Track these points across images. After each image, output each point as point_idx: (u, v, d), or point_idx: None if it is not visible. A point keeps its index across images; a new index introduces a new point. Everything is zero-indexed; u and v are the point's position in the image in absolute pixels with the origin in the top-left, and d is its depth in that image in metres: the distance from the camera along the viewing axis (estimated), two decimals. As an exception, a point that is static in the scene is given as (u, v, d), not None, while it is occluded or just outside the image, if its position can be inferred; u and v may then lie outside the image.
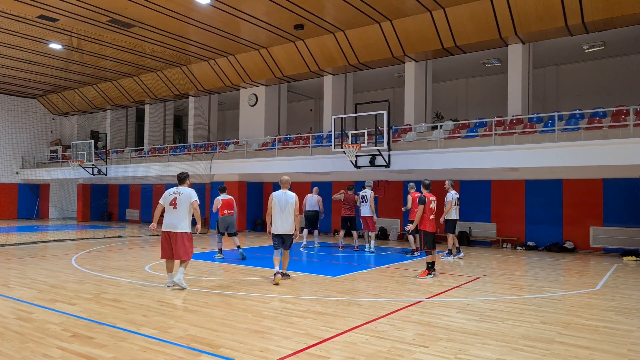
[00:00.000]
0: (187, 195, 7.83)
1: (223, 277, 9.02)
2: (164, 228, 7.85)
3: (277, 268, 8.42)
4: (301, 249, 13.77)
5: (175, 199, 7.82)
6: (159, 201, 7.98)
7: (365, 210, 13.08)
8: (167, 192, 8.00)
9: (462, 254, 12.19)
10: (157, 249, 13.28)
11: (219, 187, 12.20)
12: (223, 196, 11.73)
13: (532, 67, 16.14)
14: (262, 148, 19.80)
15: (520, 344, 4.97)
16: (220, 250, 11.80)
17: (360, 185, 18.48)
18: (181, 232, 7.73)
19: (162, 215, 7.98)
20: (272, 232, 8.50)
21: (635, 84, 16.58)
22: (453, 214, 11.81)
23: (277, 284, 8.22)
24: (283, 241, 8.54)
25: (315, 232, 14.24)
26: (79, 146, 23.71)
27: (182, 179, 8.09)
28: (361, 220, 13.33)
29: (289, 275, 8.93)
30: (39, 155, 28.62)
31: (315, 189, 14.75)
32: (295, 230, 8.52)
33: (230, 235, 11.72)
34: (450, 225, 11.88)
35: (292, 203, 8.44)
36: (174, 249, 7.74)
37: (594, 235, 14.06)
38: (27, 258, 11.37)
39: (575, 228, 14.32)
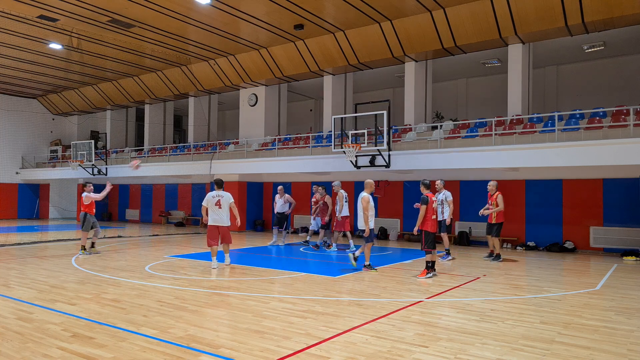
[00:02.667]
0: (228, 197, 10.01)
1: (223, 277, 9.02)
2: (212, 223, 9.92)
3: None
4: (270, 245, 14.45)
5: (219, 200, 9.89)
6: (203, 203, 10.05)
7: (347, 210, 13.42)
8: (209, 195, 9.99)
9: (450, 257, 11.84)
10: (157, 249, 13.27)
11: (87, 183, 12.46)
12: (94, 194, 12.23)
13: (532, 67, 16.14)
14: (262, 148, 19.81)
15: (520, 344, 4.97)
16: (84, 247, 12.03)
17: (360, 186, 18.51)
18: (227, 226, 10.04)
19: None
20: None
21: (635, 84, 16.59)
22: (445, 213, 11.77)
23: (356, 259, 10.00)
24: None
25: (284, 232, 14.81)
26: (79, 146, 23.71)
27: (220, 184, 10.20)
28: (341, 221, 13.27)
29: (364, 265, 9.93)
30: (39, 155, 28.63)
31: (280, 187, 14.92)
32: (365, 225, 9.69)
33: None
34: (442, 225, 11.72)
35: (359, 202, 9.83)
36: (222, 237, 10.02)
37: (594, 235, 14.06)
38: (27, 258, 11.37)
39: (575, 228, 14.32)
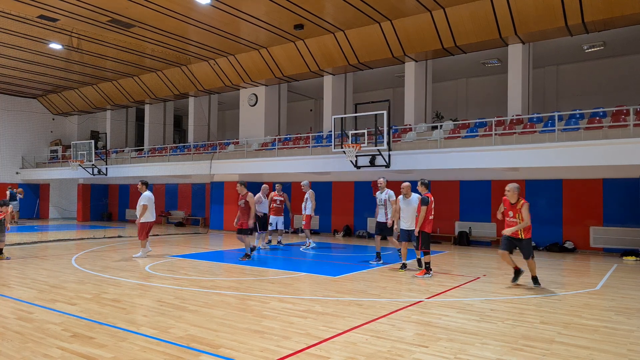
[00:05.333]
0: None
1: (223, 277, 9.02)
2: (153, 219, 11.72)
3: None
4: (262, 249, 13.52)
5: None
6: (148, 203, 11.49)
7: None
8: (151, 195, 11.71)
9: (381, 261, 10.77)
10: (157, 248, 13.23)
11: None
12: None
13: (532, 67, 16.14)
14: (262, 148, 19.80)
15: (520, 344, 4.97)
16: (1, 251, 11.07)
17: (363, 186, 18.52)
18: None
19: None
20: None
21: (635, 84, 16.59)
22: (382, 215, 10.75)
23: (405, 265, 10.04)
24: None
25: (264, 234, 13.68)
26: (79, 146, 23.70)
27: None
28: (308, 219, 13.87)
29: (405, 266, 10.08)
30: (39, 155, 28.62)
31: (264, 186, 13.95)
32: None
33: None
34: (384, 227, 10.71)
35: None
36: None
37: (594, 235, 14.06)
38: (27, 258, 11.36)
39: (575, 228, 14.32)
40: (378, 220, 10.92)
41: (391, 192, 10.80)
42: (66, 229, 21.23)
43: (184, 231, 20.33)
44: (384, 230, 10.78)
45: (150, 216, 11.59)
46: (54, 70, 22.61)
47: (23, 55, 20.14)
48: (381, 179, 10.93)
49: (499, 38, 14.82)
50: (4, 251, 11.29)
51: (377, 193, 10.93)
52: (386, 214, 10.74)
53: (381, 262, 10.92)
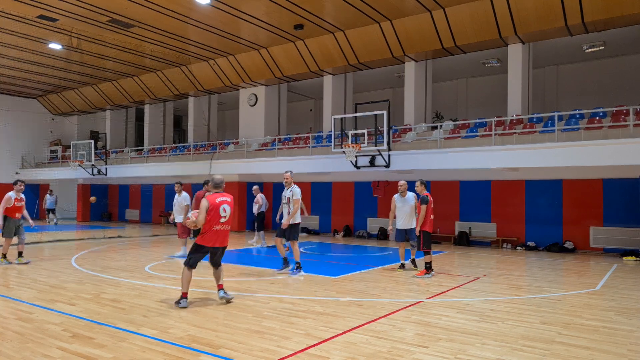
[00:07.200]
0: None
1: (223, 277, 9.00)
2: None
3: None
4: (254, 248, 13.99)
5: None
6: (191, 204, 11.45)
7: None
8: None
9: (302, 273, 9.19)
10: (157, 248, 13.24)
11: (17, 181, 10.61)
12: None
13: (532, 67, 16.13)
14: (262, 148, 19.80)
15: (520, 344, 4.97)
16: (4, 256, 10.48)
17: (363, 186, 18.54)
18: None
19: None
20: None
21: (635, 84, 16.58)
22: (286, 215, 9.21)
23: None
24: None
25: (262, 233, 14.34)
26: (78, 146, 23.70)
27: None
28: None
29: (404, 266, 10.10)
30: (39, 155, 28.62)
31: (256, 187, 14.55)
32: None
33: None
34: (289, 230, 9.20)
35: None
36: None
37: (594, 236, 14.06)
38: (27, 258, 11.34)
39: (575, 228, 14.32)
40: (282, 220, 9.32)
41: (296, 190, 9.14)
42: (66, 229, 21.22)
43: (184, 231, 20.29)
44: (283, 232, 9.19)
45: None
46: (54, 70, 22.61)
47: (23, 55, 20.14)
48: (287, 174, 9.29)
49: (499, 38, 14.82)
50: (7, 255, 10.71)
51: (285, 190, 9.33)
52: (289, 213, 9.10)
53: (290, 267, 9.40)
